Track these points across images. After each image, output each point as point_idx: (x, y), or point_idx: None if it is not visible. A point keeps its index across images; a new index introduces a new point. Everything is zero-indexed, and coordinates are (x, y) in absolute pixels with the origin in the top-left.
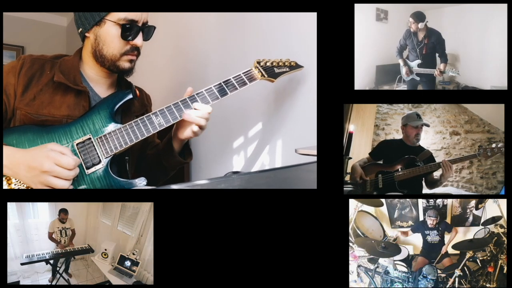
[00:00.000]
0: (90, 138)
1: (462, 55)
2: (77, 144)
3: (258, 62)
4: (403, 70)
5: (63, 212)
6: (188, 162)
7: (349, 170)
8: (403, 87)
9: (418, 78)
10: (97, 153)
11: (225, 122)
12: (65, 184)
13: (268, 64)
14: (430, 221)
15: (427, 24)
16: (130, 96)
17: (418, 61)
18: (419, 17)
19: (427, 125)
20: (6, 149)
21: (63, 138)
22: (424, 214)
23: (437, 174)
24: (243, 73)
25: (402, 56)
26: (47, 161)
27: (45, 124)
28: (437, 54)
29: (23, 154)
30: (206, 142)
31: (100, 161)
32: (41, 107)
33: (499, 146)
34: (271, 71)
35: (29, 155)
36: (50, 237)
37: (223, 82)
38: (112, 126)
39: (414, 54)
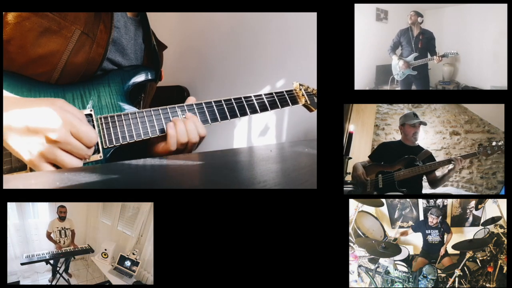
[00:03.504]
0: (91, 115)
1: (462, 55)
2: None
3: (301, 85)
4: (400, 63)
5: (61, 206)
6: None
7: (349, 170)
8: (397, 87)
9: (415, 73)
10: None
11: None
12: (77, 164)
13: (309, 90)
14: (431, 219)
15: (421, 25)
16: (152, 76)
17: (415, 54)
18: (419, 13)
19: (424, 124)
20: None
21: None
22: (424, 215)
23: (438, 173)
24: (286, 91)
25: (395, 54)
26: (61, 127)
27: (27, 69)
28: (429, 54)
29: (18, 104)
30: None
31: (98, 150)
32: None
33: (499, 144)
34: (311, 99)
35: (29, 110)
36: (48, 236)
37: (276, 93)
38: (123, 107)
39: (409, 49)
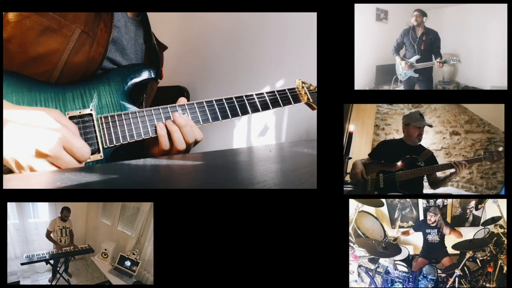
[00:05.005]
0: (91, 114)
1: (462, 55)
2: (69, 118)
3: (303, 83)
4: (402, 64)
5: (66, 209)
6: None
7: (349, 170)
8: (400, 87)
9: (416, 75)
10: (97, 138)
11: None
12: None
13: (311, 88)
14: (429, 217)
15: (425, 24)
16: (153, 75)
17: (417, 57)
18: (424, 12)
19: (430, 126)
20: None
21: (50, 105)
22: (424, 214)
23: (440, 174)
24: (288, 89)
25: (399, 54)
26: (53, 142)
27: (27, 68)
28: (433, 56)
29: (13, 113)
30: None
31: (98, 150)
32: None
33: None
34: (314, 97)
35: (20, 120)
36: (48, 235)
37: (278, 91)
38: (123, 107)
39: (412, 51)
